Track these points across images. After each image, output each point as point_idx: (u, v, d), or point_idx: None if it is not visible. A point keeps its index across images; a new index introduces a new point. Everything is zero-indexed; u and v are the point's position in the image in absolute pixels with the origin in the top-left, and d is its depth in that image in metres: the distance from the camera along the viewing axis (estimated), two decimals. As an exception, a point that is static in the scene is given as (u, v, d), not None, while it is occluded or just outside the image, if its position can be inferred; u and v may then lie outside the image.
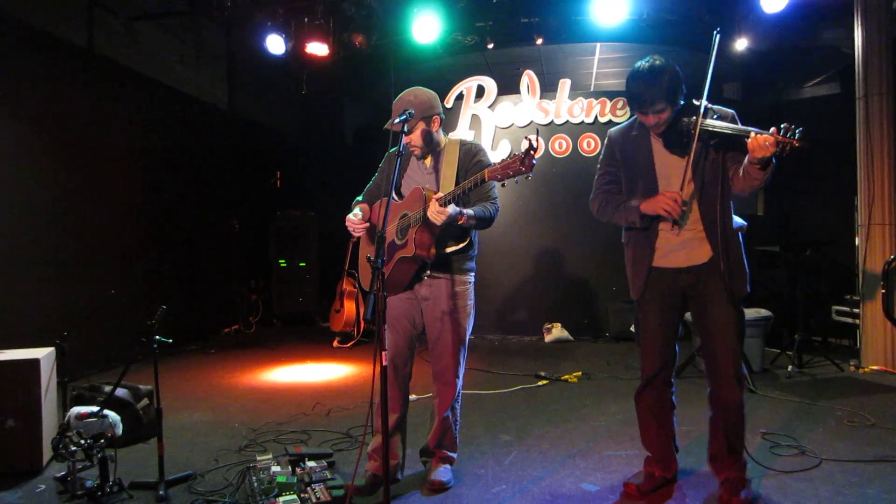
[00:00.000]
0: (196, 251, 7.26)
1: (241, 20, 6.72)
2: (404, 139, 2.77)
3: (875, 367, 5.24)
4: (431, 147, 2.98)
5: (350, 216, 3.04)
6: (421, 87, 3.00)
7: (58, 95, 5.31)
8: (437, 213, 2.66)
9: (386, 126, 2.84)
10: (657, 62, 2.62)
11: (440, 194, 2.75)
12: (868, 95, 5.39)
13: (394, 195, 2.94)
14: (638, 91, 2.63)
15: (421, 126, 2.89)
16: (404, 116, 2.71)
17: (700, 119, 2.59)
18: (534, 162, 2.49)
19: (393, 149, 2.84)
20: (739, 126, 2.59)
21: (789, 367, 5.19)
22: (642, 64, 2.65)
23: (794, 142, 2.42)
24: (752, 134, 2.45)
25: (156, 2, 6.65)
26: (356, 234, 3.07)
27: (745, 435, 2.79)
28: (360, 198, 3.19)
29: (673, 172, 2.72)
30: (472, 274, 3.07)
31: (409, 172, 3.08)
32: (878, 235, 5.32)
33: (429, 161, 3.02)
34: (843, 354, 5.74)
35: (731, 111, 2.72)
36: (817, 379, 5.03)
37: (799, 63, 8.62)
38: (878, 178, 5.33)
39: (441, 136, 3.03)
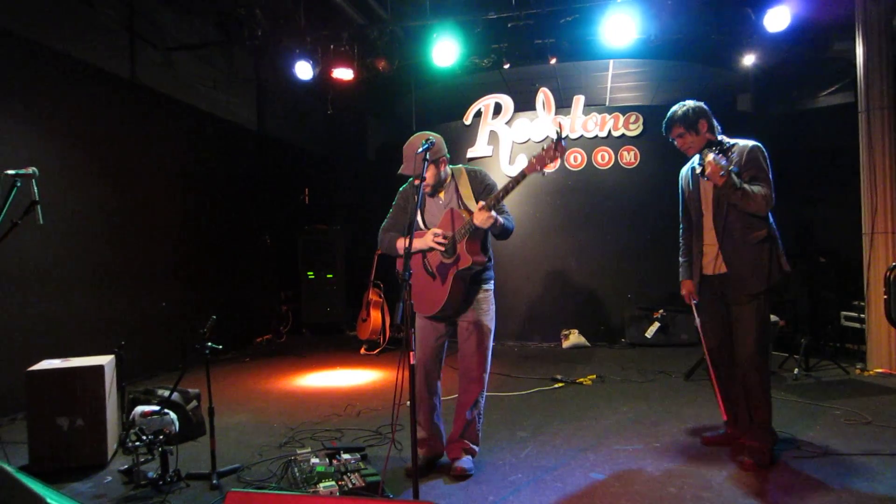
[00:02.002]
0: (231, 265, 7.69)
1: (270, 46, 7.16)
2: (423, 180, 3.11)
3: (879, 370, 5.45)
4: (440, 183, 3.38)
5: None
6: (427, 132, 3.31)
7: (105, 122, 5.78)
8: (486, 219, 3.08)
9: (401, 171, 3.25)
10: (684, 102, 3.44)
11: (482, 203, 3.10)
12: (870, 110, 5.63)
13: (418, 225, 3.33)
14: (665, 120, 3.47)
15: (432, 168, 3.27)
16: (423, 165, 3.05)
17: (707, 152, 3.23)
18: (564, 145, 2.92)
19: (404, 185, 3.34)
20: (715, 159, 3.13)
21: (795, 370, 5.43)
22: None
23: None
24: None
25: (191, 32, 7.12)
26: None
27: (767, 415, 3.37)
28: (385, 227, 3.49)
29: (708, 195, 3.45)
30: (492, 282, 3.47)
31: (427, 208, 3.44)
32: (881, 243, 5.53)
33: (442, 195, 3.40)
34: (851, 358, 5.94)
35: (751, 143, 3.30)
36: (822, 381, 5.26)
37: (812, 73, 8.81)
38: (881, 189, 5.55)
39: (447, 171, 3.42)
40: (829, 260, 6.93)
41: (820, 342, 6.20)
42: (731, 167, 3.13)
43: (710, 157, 3.15)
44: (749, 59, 7.21)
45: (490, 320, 3.41)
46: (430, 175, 3.26)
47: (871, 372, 5.48)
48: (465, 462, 3.33)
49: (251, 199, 8.19)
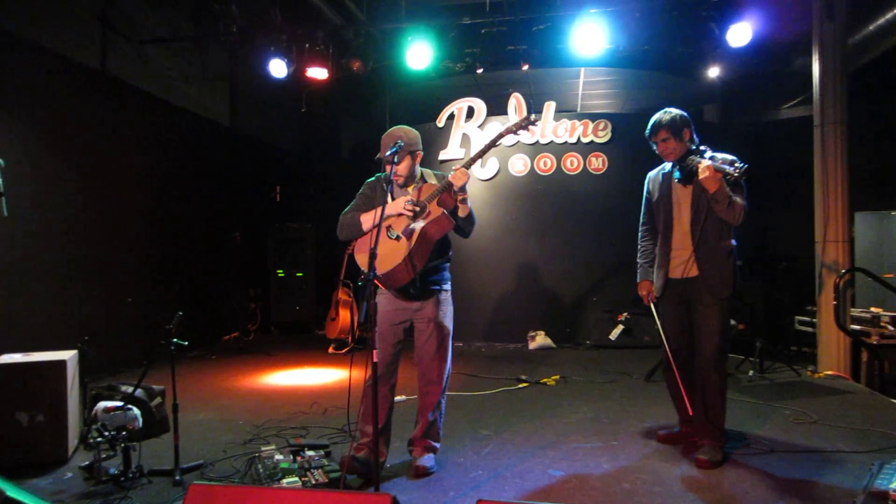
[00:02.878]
0: (199, 262, 7.66)
1: (244, 43, 7.15)
2: (394, 168, 3.23)
3: (829, 373, 5.68)
4: (411, 177, 3.41)
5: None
6: (407, 126, 3.41)
7: (73, 114, 5.73)
8: (462, 175, 3.16)
9: (378, 157, 3.29)
10: (669, 109, 3.59)
11: (457, 166, 3.22)
12: (824, 124, 5.85)
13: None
14: (650, 123, 3.59)
15: (408, 159, 3.33)
16: (395, 148, 3.15)
17: (701, 160, 3.38)
18: (534, 120, 3.29)
19: (372, 178, 3.34)
20: (716, 166, 3.27)
21: (750, 372, 5.62)
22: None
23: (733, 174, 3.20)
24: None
25: (165, 25, 7.07)
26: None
27: (721, 415, 3.52)
28: (347, 211, 3.47)
29: (683, 201, 3.55)
30: (450, 283, 3.53)
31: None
32: (832, 251, 5.76)
33: (411, 189, 3.41)
34: (804, 361, 6.18)
35: (732, 157, 3.40)
36: (775, 383, 5.47)
37: (775, 87, 9.10)
38: (833, 200, 5.78)
39: (418, 169, 3.47)
40: (788, 265, 7.17)
41: (776, 345, 6.41)
42: (726, 175, 3.24)
43: (708, 162, 3.27)
44: (714, 72, 7.42)
45: (450, 322, 3.47)
46: (404, 166, 3.32)
47: (821, 374, 5.70)
48: (427, 460, 3.40)
49: (222, 195, 8.16)
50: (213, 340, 7.98)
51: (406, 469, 3.44)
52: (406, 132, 3.34)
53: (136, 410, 3.57)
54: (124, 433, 3.40)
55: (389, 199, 3.30)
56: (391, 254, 3.17)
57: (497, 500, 2.93)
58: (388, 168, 3.24)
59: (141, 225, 6.62)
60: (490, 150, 3.36)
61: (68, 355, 3.82)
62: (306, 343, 8.07)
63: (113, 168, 6.20)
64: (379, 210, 3.08)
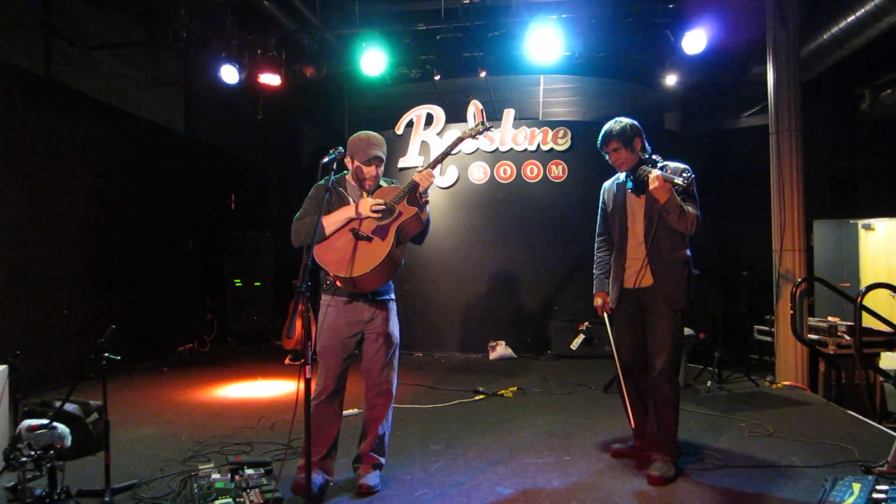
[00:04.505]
0: (151, 272, 7.41)
1: (198, 48, 6.97)
2: (376, 171, 3.29)
3: (787, 383, 5.69)
4: (377, 184, 3.37)
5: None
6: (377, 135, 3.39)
7: (13, 121, 5.48)
8: (428, 175, 3.22)
9: (374, 154, 3.26)
10: (620, 119, 3.52)
11: (420, 168, 3.28)
12: (779, 132, 5.90)
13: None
14: (601, 133, 3.53)
15: (382, 165, 3.34)
16: (381, 154, 3.28)
17: (651, 170, 3.33)
18: (489, 127, 3.46)
19: (321, 181, 3.20)
20: (665, 176, 3.24)
21: (708, 383, 5.60)
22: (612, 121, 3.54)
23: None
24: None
25: (114, 30, 6.85)
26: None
27: (674, 429, 3.43)
28: (299, 216, 3.33)
29: (637, 210, 3.50)
30: (394, 294, 3.48)
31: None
32: (789, 260, 5.79)
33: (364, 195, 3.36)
34: (763, 371, 6.18)
35: (683, 166, 3.36)
36: (733, 393, 5.45)
37: (734, 95, 9.20)
38: (789, 208, 5.82)
39: None
40: (748, 275, 7.22)
41: (736, 355, 6.41)
42: (675, 186, 3.21)
43: (658, 173, 3.23)
44: (672, 80, 7.47)
45: (398, 332, 3.40)
46: (379, 172, 3.34)
47: (778, 384, 5.70)
48: (373, 478, 3.26)
49: (177, 204, 7.93)
50: (167, 352, 7.72)
51: (349, 487, 3.30)
52: (382, 141, 3.35)
53: (63, 428, 3.36)
54: (52, 452, 3.21)
55: (351, 200, 3.27)
56: (367, 254, 3.10)
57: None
58: (352, 167, 3.29)
59: (89, 235, 6.38)
60: (448, 154, 3.41)
61: (-5, 371, 3.61)
62: (263, 354, 7.86)
63: (59, 176, 5.97)
64: (343, 212, 3.17)
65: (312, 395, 3.15)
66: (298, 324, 7.25)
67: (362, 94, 8.75)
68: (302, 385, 2.61)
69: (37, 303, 5.59)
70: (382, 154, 3.28)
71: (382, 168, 3.35)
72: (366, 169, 3.26)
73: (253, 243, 8.71)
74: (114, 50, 6.78)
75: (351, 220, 3.19)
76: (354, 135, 3.35)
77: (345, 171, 3.40)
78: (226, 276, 8.69)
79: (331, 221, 3.20)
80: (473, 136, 3.45)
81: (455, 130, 7.65)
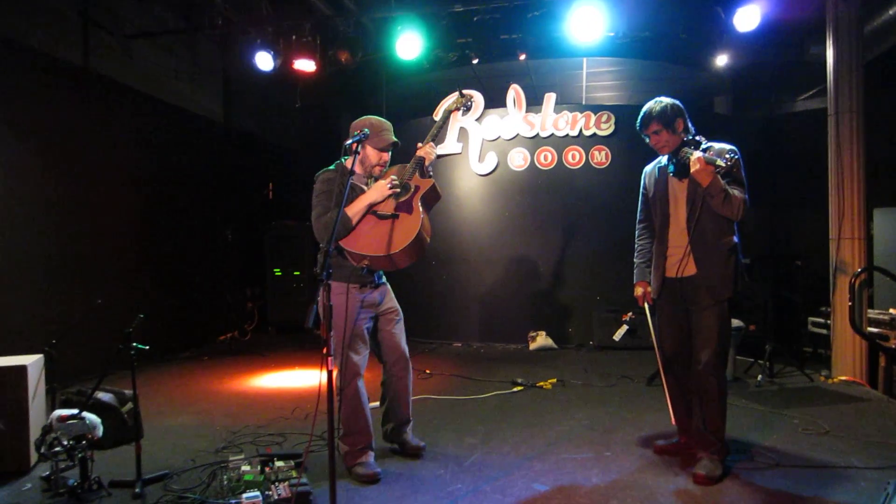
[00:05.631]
0: (191, 261, 7.48)
1: (235, 36, 6.95)
2: (385, 157, 3.40)
3: (843, 378, 5.36)
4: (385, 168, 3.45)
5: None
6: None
7: (55, 112, 5.55)
8: (431, 149, 3.35)
9: (392, 140, 3.37)
10: (660, 98, 3.32)
11: (420, 144, 3.39)
12: (839, 113, 5.53)
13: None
14: (640, 115, 3.34)
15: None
16: (395, 140, 3.37)
17: (693, 151, 3.12)
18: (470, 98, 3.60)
19: (323, 172, 3.36)
20: (707, 158, 3.02)
21: (759, 377, 5.33)
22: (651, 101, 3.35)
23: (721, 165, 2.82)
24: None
25: (151, 20, 6.89)
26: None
27: (721, 425, 3.23)
28: (321, 214, 3.33)
29: (679, 195, 3.31)
30: None
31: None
32: (848, 249, 5.45)
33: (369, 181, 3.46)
34: (818, 365, 5.86)
35: (728, 147, 3.14)
36: (786, 389, 5.16)
37: (789, 77, 8.75)
38: (849, 194, 5.47)
39: None
40: (802, 264, 6.85)
41: (788, 348, 6.09)
42: (717, 168, 3.00)
43: (699, 154, 3.03)
44: (723, 60, 7.11)
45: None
46: (387, 157, 3.43)
47: (835, 379, 5.39)
48: (419, 439, 3.63)
49: (216, 193, 7.98)
50: (208, 341, 7.80)
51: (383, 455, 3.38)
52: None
53: (93, 418, 3.35)
54: (84, 442, 3.21)
55: (364, 188, 3.34)
56: (400, 230, 3.19)
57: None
58: (362, 152, 3.32)
59: (129, 225, 6.45)
60: (443, 128, 3.63)
61: (31, 360, 3.64)
62: (303, 343, 7.88)
63: (98, 167, 6.02)
64: (361, 200, 3.23)
65: (346, 383, 3.26)
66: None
67: (400, 81, 8.63)
68: (328, 375, 2.51)
69: (75, 293, 5.66)
70: (397, 140, 3.38)
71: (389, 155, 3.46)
72: (382, 155, 3.35)
73: (292, 232, 8.70)
74: (151, 39, 6.80)
75: (371, 206, 3.26)
76: (363, 118, 3.37)
77: (344, 158, 3.31)
78: (266, 266, 8.72)
79: (354, 212, 3.23)
80: (458, 109, 3.56)
81: (494, 116, 7.48)
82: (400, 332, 3.53)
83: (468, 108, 3.62)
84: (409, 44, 6.26)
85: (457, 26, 6.23)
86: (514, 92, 7.37)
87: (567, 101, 7.77)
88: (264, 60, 6.54)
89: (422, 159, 3.34)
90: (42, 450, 3.18)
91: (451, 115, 3.58)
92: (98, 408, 3.74)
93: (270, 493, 2.93)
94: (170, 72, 7.18)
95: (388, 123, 3.39)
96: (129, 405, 4.09)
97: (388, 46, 6.69)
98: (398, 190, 3.28)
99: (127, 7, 6.56)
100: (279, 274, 8.73)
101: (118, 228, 6.28)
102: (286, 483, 3.01)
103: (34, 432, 3.56)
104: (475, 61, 6.78)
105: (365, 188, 3.34)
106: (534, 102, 7.48)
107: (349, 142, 2.97)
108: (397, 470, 3.40)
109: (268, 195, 8.61)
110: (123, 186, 6.39)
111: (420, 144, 3.36)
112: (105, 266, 6.05)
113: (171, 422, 4.43)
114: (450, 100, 3.51)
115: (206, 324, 7.84)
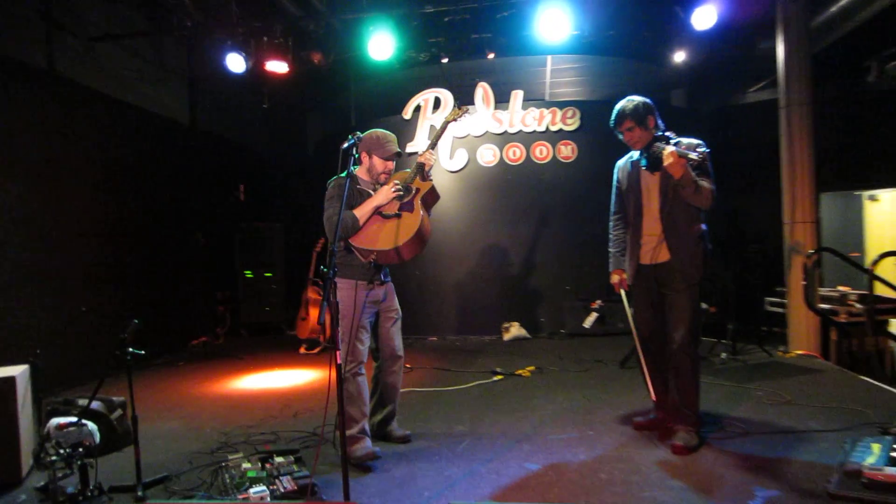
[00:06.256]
0: (161, 265, 7.41)
1: (202, 37, 6.92)
2: (391, 166, 3.70)
3: (799, 352, 5.73)
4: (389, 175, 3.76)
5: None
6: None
7: (19, 116, 5.45)
8: (430, 155, 3.67)
9: (395, 150, 3.67)
10: (632, 97, 3.54)
11: (420, 152, 3.71)
12: (790, 106, 5.87)
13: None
14: (614, 113, 3.55)
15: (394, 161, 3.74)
16: (398, 151, 3.68)
17: (665, 146, 3.33)
18: (466, 110, 3.89)
19: (331, 180, 3.61)
20: (679, 151, 3.25)
21: (723, 355, 5.64)
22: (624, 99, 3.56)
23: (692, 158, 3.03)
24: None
25: (117, 21, 6.81)
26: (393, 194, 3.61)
27: (695, 400, 3.50)
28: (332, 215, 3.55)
29: (652, 187, 3.52)
30: None
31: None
32: (800, 232, 5.79)
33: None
34: (776, 342, 6.21)
35: (696, 141, 3.38)
36: (748, 364, 5.48)
37: (740, 71, 9.14)
38: (800, 181, 5.81)
39: None
40: (758, 248, 7.21)
41: (748, 327, 6.43)
42: (689, 161, 3.22)
43: (672, 149, 3.24)
44: (680, 56, 7.41)
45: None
46: (392, 165, 3.72)
47: (791, 354, 5.74)
48: (403, 430, 3.86)
49: (183, 196, 7.91)
50: (180, 346, 7.75)
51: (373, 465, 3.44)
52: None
53: (91, 425, 3.40)
54: (80, 450, 3.24)
55: (371, 192, 3.65)
56: (403, 227, 3.52)
57: (471, 499, 2.86)
58: (368, 162, 3.66)
59: (97, 230, 6.36)
60: (440, 137, 3.85)
61: (18, 370, 3.62)
62: (277, 344, 7.91)
63: (64, 171, 5.93)
64: (368, 203, 3.54)
65: (348, 371, 3.44)
66: (314, 312, 7.28)
67: (368, 80, 8.70)
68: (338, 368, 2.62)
69: (52, 301, 5.61)
70: (400, 150, 3.69)
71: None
72: (386, 164, 3.64)
73: (263, 234, 8.71)
74: (116, 41, 6.72)
75: (378, 208, 3.58)
76: (370, 132, 3.67)
77: (355, 167, 3.66)
78: (236, 268, 8.70)
79: (361, 213, 3.53)
80: (456, 120, 3.83)
81: (464, 115, 7.61)
82: (397, 330, 3.78)
83: (461, 117, 3.89)
84: (381, 45, 6.36)
85: (428, 27, 6.35)
86: (483, 90, 7.54)
87: (531, 98, 7.98)
88: (236, 62, 6.54)
89: (422, 164, 3.64)
90: (41, 458, 3.19)
91: (448, 124, 3.85)
92: (89, 415, 3.75)
93: (275, 487, 3.03)
94: (135, 74, 7.10)
95: (392, 135, 3.69)
96: (118, 412, 4.11)
97: (357, 47, 6.77)
98: (401, 192, 3.59)
99: (91, 9, 6.47)
100: (250, 276, 8.72)
101: (87, 234, 6.20)
102: (289, 476, 3.11)
103: (24, 444, 3.55)
104: (445, 60, 6.90)
105: (372, 192, 3.64)
106: (500, 99, 7.66)
107: (345, 145, 3.15)
108: (394, 458, 3.54)
109: (239, 197, 8.57)
110: (90, 190, 6.30)
111: (420, 152, 3.69)
112: (77, 273, 5.98)
113: (159, 427, 4.44)
114: (447, 110, 3.82)
115: (179, 329, 7.79)
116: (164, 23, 6.81)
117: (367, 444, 3.49)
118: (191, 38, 6.77)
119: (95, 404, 3.96)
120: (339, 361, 2.54)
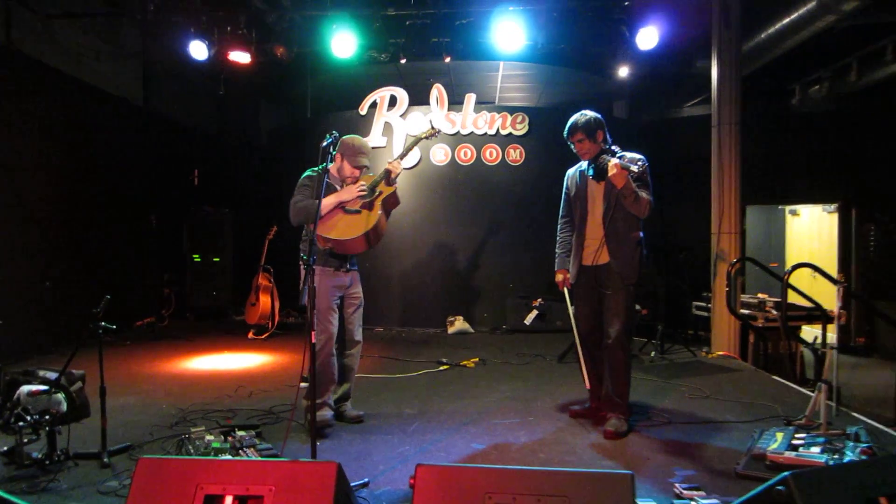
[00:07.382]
0: (112, 245, 7.38)
1: (160, 21, 6.91)
2: (357, 173, 4.01)
3: (721, 353, 6.26)
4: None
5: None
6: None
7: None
8: (398, 164, 4.03)
9: (365, 164, 4.02)
10: (585, 112, 3.89)
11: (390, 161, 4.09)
12: (721, 125, 6.39)
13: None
14: (568, 125, 3.89)
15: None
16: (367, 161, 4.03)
17: (610, 158, 3.71)
18: (438, 129, 4.39)
19: (308, 172, 3.98)
20: (622, 164, 3.62)
21: (652, 353, 6.12)
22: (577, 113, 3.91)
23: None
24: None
25: (75, 0, 6.75)
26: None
27: (626, 391, 3.89)
28: (298, 200, 3.91)
29: (597, 195, 3.89)
30: None
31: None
32: (726, 242, 6.32)
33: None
34: (700, 343, 6.75)
35: (638, 156, 3.74)
36: (674, 363, 5.97)
37: (678, 86, 9.73)
38: (727, 194, 6.34)
39: None
40: (687, 255, 7.77)
41: (675, 329, 6.96)
42: (631, 173, 3.60)
43: (616, 161, 3.60)
44: (624, 71, 7.88)
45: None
46: (359, 173, 4.04)
47: (713, 354, 6.27)
48: (358, 410, 4.14)
49: (136, 177, 7.88)
50: (125, 325, 7.72)
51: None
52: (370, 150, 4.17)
53: (61, 395, 3.51)
54: (48, 417, 3.35)
55: (338, 188, 4.00)
56: (359, 223, 3.85)
57: (426, 470, 3.13)
58: (339, 162, 3.98)
59: (47, 207, 6.32)
60: (410, 151, 4.43)
61: (-20, 341, 3.70)
62: (225, 329, 7.98)
63: (15, 147, 5.89)
64: (334, 196, 3.88)
65: (319, 348, 3.71)
66: (264, 298, 7.39)
67: (325, 74, 8.83)
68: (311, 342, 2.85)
69: (6, 276, 5.59)
70: (369, 163, 4.03)
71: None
72: (354, 171, 3.98)
73: (212, 218, 8.73)
74: (75, 19, 6.67)
75: (341, 203, 3.92)
76: (349, 137, 4.01)
77: (328, 163, 3.80)
78: (185, 251, 8.70)
79: (325, 204, 3.81)
80: (427, 138, 4.31)
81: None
82: (358, 317, 4.09)
83: (432, 137, 4.35)
84: (343, 43, 6.54)
85: (389, 28, 6.58)
86: (438, 91, 7.82)
87: (482, 101, 8.30)
88: (198, 50, 6.59)
89: (389, 171, 4.01)
90: (11, 423, 3.29)
91: (418, 142, 4.35)
92: (55, 386, 3.83)
93: (241, 457, 3.23)
94: (91, 52, 7.04)
95: (368, 149, 4.05)
96: (78, 384, 4.19)
97: (318, 42, 6.92)
98: (365, 192, 3.94)
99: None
100: (198, 260, 8.74)
101: (35, 211, 6.16)
102: (253, 448, 3.32)
103: (-14, 411, 3.63)
104: (403, 61, 7.15)
105: (338, 188, 4.00)
106: (453, 101, 7.95)
107: (324, 143, 3.35)
108: (349, 436, 3.79)
109: (193, 181, 8.56)
110: (41, 167, 6.26)
111: (390, 160, 4.07)
112: (23, 252, 5.94)
113: (115, 401, 4.49)
114: (422, 128, 4.46)
115: (126, 309, 7.76)
116: (123, 4, 6.77)
117: (327, 413, 3.85)
118: (150, 21, 6.74)
119: (54, 376, 4.05)
120: (313, 341, 2.76)
